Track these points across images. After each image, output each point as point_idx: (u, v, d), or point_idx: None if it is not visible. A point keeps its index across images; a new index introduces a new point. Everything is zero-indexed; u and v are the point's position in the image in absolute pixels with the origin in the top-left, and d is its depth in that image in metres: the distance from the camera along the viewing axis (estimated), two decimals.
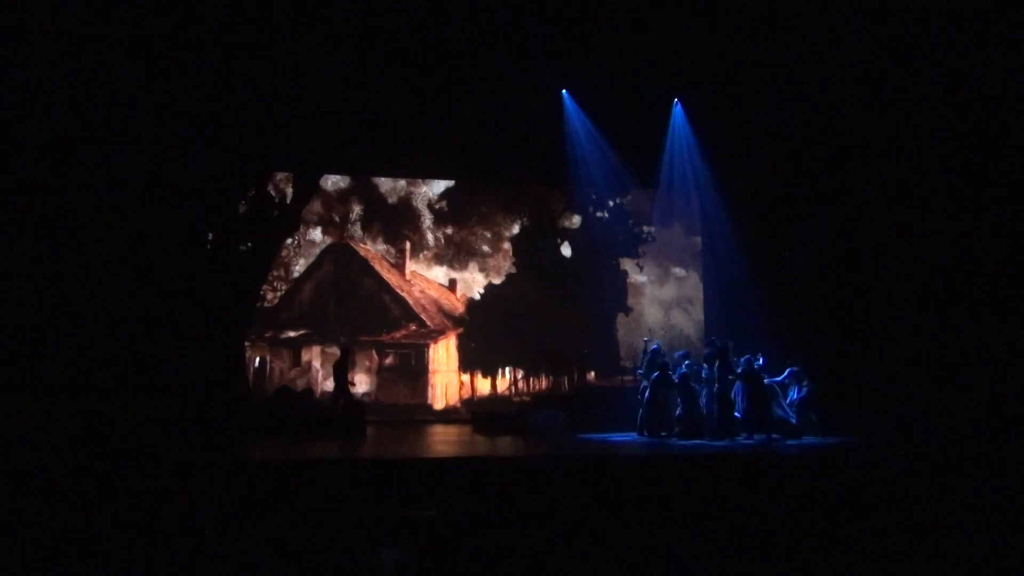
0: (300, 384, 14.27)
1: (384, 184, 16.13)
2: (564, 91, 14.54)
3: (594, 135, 14.81)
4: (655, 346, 12.27)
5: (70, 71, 10.47)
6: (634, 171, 15.29)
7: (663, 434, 11.51)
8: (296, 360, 15.16)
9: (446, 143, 14.48)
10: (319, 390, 14.25)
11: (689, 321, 16.60)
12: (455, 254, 16.29)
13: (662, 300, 16.68)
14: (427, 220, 16.28)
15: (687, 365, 11.77)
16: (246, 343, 13.90)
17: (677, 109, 14.91)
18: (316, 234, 15.58)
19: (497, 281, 16.23)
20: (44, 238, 10.45)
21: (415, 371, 15.42)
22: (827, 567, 5.37)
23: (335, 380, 12.16)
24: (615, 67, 13.14)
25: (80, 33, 10.45)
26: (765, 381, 11.53)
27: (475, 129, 14.06)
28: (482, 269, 16.31)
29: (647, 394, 11.73)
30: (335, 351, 15.26)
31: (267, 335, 14.97)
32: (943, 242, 12.51)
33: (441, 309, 15.94)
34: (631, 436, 11.77)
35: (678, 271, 16.81)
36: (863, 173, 13.30)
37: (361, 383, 14.54)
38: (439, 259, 16.22)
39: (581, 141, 14.93)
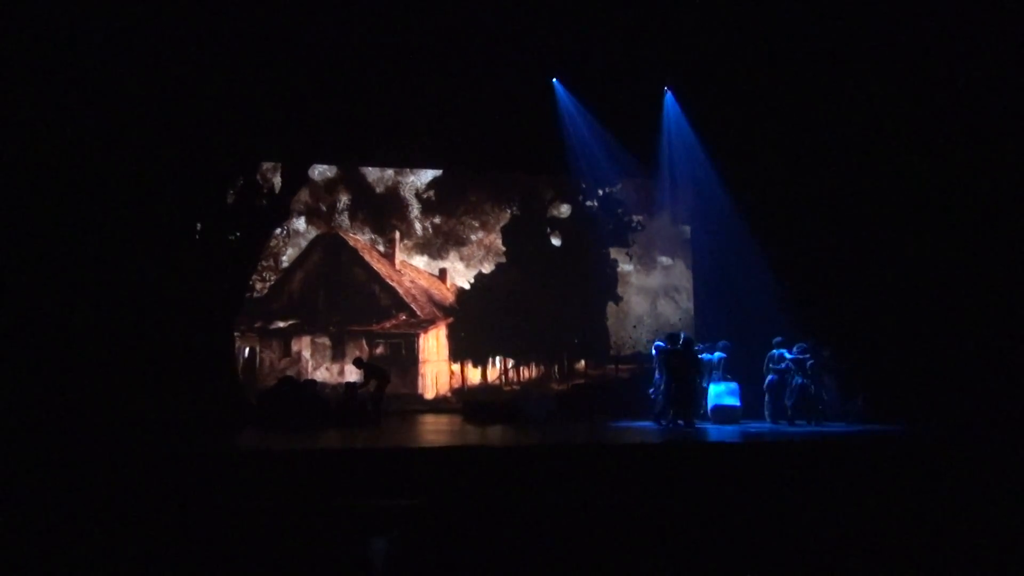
0: (291, 374, 14.27)
1: (371, 173, 16.10)
2: (555, 80, 14.50)
3: (586, 124, 14.77)
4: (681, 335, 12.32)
5: (58, 62, 10.37)
6: (626, 160, 15.28)
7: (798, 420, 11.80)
8: (286, 350, 15.16)
9: (435, 133, 14.43)
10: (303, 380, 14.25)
11: (676, 310, 16.68)
12: (443, 243, 16.30)
13: (648, 289, 16.75)
14: (415, 209, 16.27)
15: (799, 349, 12.07)
16: (236, 333, 13.87)
17: (669, 98, 14.91)
18: (300, 224, 15.56)
19: (487, 270, 16.26)
20: (31, 231, 10.38)
21: (405, 361, 15.44)
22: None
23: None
24: (605, 56, 13.10)
25: (69, 24, 10.35)
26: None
27: (465, 118, 14.01)
28: (471, 258, 16.32)
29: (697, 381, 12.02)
30: (325, 341, 15.30)
31: (257, 325, 14.96)
32: (941, 222, 12.49)
33: (431, 299, 15.95)
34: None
35: (664, 260, 16.88)
36: (862, 160, 13.26)
37: (351, 373, 14.55)
38: (428, 248, 16.22)
39: (573, 130, 14.89)
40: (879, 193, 13.16)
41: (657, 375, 11.98)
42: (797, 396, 11.93)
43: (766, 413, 12.20)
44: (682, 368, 11.62)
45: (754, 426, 11.73)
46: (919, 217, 12.73)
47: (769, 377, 12.24)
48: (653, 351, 12.15)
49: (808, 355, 12.06)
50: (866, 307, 13.06)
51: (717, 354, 12.81)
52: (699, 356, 12.33)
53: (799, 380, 11.96)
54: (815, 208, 13.74)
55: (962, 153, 12.09)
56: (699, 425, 11.83)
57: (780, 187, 14.05)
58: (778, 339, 12.39)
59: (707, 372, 12.65)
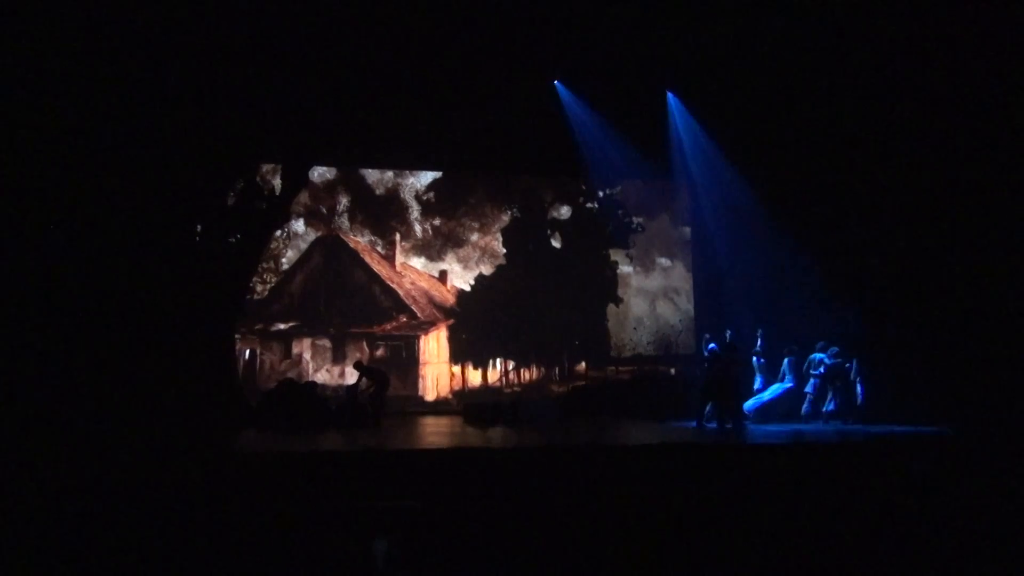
0: (292, 376, 14.26)
1: (371, 175, 16.11)
2: (556, 82, 14.45)
3: (588, 126, 14.72)
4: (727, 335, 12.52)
5: (59, 64, 10.38)
6: (628, 162, 15.20)
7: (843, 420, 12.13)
8: (287, 352, 15.15)
9: (435, 134, 14.42)
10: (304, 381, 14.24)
11: (676, 311, 16.67)
12: (443, 245, 16.31)
13: (648, 291, 16.75)
14: (415, 211, 16.29)
15: (832, 352, 12.39)
16: (236, 335, 13.86)
17: (671, 98, 14.86)
18: (300, 226, 15.57)
19: (487, 272, 16.25)
20: (31, 233, 10.38)
21: (406, 363, 15.44)
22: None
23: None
24: (605, 57, 13.06)
25: (70, 26, 10.36)
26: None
27: (465, 120, 14.00)
28: (468, 260, 16.33)
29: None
30: (326, 343, 15.30)
31: (257, 327, 14.96)
32: (957, 219, 12.45)
33: (432, 300, 15.95)
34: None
35: (664, 261, 16.88)
36: (877, 157, 13.18)
37: (352, 375, 14.54)
38: (426, 250, 16.23)
39: (575, 132, 14.81)
40: (896, 190, 13.05)
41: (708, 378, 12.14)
42: (836, 398, 12.26)
43: (809, 414, 12.52)
44: (724, 370, 11.73)
45: (796, 428, 11.85)
46: (936, 214, 12.68)
47: (811, 381, 12.61)
48: (705, 353, 12.21)
49: (843, 359, 12.35)
50: (885, 309, 13.05)
51: (787, 358, 13.13)
52: (736, 358, 12.48)
53: (838, 384, 12.28)
54: (827, 207, 13.68)
55: (975, 149, 12.03)
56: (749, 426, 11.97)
57: (792, 186, 13.97)
58: (820, 343, 12.65)
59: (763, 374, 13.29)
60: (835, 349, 12.41)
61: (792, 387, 12.90)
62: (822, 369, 12.41)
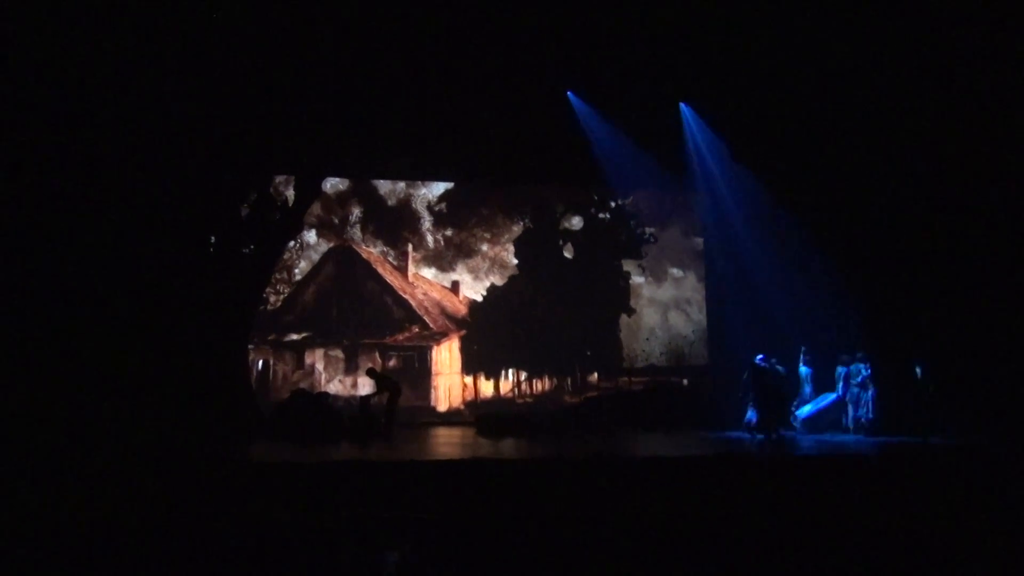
0: (304, 387, 14.29)
1: (383, 186, 16.17)
2: (569, 92, 14.44)
3: (601, 136, 14.67)
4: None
5: (73, 73, 10.50)
6: (640, 172, 15.12)
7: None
8: (299, 363, 15.20)
9: (448, 145, 14.45)
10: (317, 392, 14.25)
11: (688, 322, 16.59)
12: (455, 256, 16.33)
13: (660, 301, 16.69)
14: (426, 222, 16.32)
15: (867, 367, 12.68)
16: (249, 346, 13.92)
17: (685, 110, 14.83)
18: (312, 236, 15.63)
19: (499, 283, 16.25)
20: (47, 243, 10.47)
21: (418, 373, 15.44)
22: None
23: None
24: (618, 68, 13.06)
25: (83, 35, 10.48)
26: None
27: (478, 131, 14.03)
28: (478, 270, 16.33)
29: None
30: (338, 353, 15.34)
31: (270, 338, 15.01)
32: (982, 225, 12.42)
33: (444, 311, 15.96)
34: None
35: (675, 272, 16.82)
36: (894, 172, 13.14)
37: (364, 386, 14.56)
38: (438, 261, 16.25)
39: (587, 142, 14.75)
40: (917, 197, 12.97)
41: (752, 390, 12.28)
42: (875, 408, 12.45)
43: (851, 426, 12.69)
44: (769, 381, 11.93)
45: (837, 438, 12.08)
46: (961, 224, 12.60)
47: (850, 391, 12.84)
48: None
49: (875, 370, 12.52)
50: (910, 318, 12.99)
51: (838, 368, 13.27)
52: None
53: (872, 392, 12.49)
54: (845, 217, 13.60)
55: (997, 155, 11.95)
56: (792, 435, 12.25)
57: (807, 195, 13.89)
58: (859, 354, 12.85)
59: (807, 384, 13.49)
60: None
61: (839, 397, 13.07)
62: (860, 379, 12.65)
